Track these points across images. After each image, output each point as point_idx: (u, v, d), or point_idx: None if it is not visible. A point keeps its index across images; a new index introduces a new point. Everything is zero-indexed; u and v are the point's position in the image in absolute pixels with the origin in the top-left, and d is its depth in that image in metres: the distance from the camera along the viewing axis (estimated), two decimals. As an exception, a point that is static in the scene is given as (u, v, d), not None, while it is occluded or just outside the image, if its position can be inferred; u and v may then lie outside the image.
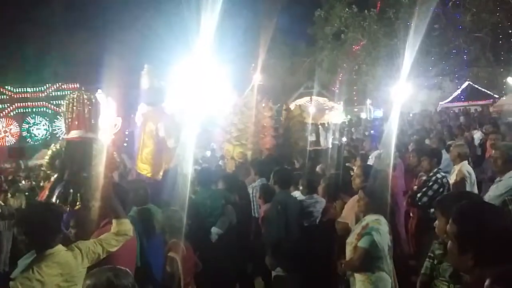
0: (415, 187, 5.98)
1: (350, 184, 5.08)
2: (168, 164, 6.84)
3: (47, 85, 31.41)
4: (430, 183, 5.47)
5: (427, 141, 10.33)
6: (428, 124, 16.98)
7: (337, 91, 31.77)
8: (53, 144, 6.15)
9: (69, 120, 6.00)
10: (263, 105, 11.80)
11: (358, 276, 3.95)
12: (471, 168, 5.95)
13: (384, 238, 3.87)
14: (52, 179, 5.70)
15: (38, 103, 31.57)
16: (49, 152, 5.96)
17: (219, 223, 5.40)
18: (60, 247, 2.93)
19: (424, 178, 5.82)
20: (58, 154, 5.68)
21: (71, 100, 6.10)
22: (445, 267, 3.04)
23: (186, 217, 5.27)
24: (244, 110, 10.78)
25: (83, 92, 6.25)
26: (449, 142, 8.32)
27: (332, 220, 5.08)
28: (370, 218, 4.00)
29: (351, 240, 4.02)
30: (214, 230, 5.36)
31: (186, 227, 4.49)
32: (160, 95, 7.40)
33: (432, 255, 3.20)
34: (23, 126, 31.80)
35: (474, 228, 1.83)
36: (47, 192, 5.50)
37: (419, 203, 5.42)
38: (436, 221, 2.99)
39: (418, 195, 5.45)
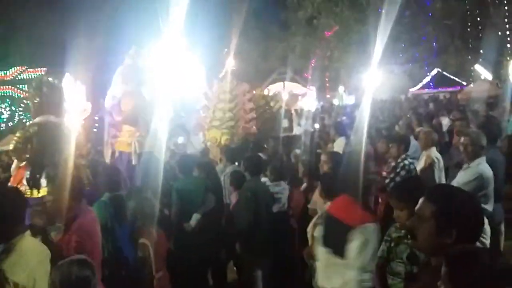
0: (384, 173, 6.10)
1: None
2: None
3: (13, 68, 30.42)
4: (398, 169, 5.58)
5: (396, 128, 10.54)
6: (398, 111, 17.26)
7: (310, 77, 31.88)
8: (20, 129, 5.99)
9: (37, 105, 5.88)
10: (243, 89, 11.73)
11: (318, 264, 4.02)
12: (439, 154, 6.11)
13: None
14: (14, 165, 5.59)
15: (3, 87, 30.57)
16: (16, 137, 5.80)
17: (201, 210, 5.44)
18: (26, 236, 2.86)
19: (392, 164, 5.94)
20: (27, 139, 5.55)
21: (38, 84, 5.97)
22: (402, 249, 3.13)
23: (165, 204, 5.29)
24: (228, 96, 10.68)
25: (49, 76, 6.13)
26: (417, 129, 8.50)
27: (299, 207, 5.17)
28: (326, 207, 4.05)
29: (309, 229, 4.08)
30: (196, 216, 5.39)
31: (162, 213, 4.50)
32: (142, 75, 7.43)
33: (388, 238, 3.28)
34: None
35: (455, 207, 1.87)
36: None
37: (387, 189, 5.53)
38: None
39: (386, 181, 5.57)
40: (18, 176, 5.41)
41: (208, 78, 11.41)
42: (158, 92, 7.76)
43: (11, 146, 5.85)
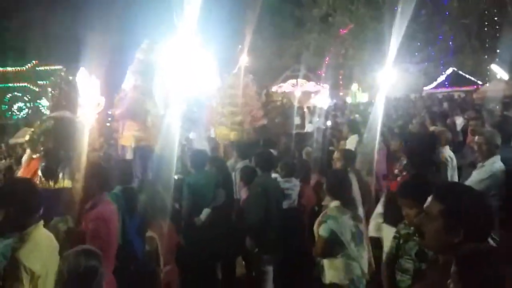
0: (396, 171, 6.05)
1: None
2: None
3: (30, 63, 30.83)
4: (410, 168, 5.53)
5: (410, 126, 10.44)
6: (412, 110, 17.10)
7: (323, 74, 31.75)
8: (38, 122, 6.09)
9: (55, 100, 6.00)
10: (250, 86, 11.73)
11: (325, 261, 4.04)
12: (452, 153, 6.06)
13: (342, 225, 3.90)
14: (27, 156, 5.68)
15: (20, 80, 31.00)
16: (32, 130, 5.91)
17: (212, 205, 5.49)
18: (40, 226, 2.90)
19: (405, 162, 5.89)
20: (43, 132, 5.64)
21: (57, 80, 6.10)
22: (411, 246, 3.13)
23: (177, 198, 5.33)
24: (234, 92, 10.70)
25: (67, 73, 6.26)
26: (431, 128, 8.42)
27: (310, 203, 5.17)
28: (331, 205, 4.06)
29: (315, 227, 4.09)
30: (206, 211, 5.43)
31: (174, 207, 4.52)
32: (153, 70, 7.46)
33: (397, 235, 3.28)
34: (4, 104, 31.29)
35: (464, 206, 1.85)
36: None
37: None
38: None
39: (398, 178, 5.52)
40: (32, 167, 5.49)
41: (221, 74, 11.43)
42: (171, 87, 7.80)
43: (26, 137, 5.94)
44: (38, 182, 5.11)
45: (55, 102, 5.95)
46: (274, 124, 11.62)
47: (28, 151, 5.77)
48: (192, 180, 5.66)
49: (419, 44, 23.31)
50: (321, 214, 4.10)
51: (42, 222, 2.93)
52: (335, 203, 4.03)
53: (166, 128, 7.05)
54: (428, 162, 4.30)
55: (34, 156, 5.53)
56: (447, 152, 5.97)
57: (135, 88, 7.77)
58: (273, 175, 5.68)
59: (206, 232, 5.31)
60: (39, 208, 2.93)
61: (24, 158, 5.85)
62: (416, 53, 24.36)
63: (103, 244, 3.27)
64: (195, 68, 9.17)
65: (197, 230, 5.35)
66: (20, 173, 5.78)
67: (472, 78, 25.95)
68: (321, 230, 3.92)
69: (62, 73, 6.33)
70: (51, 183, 5.30)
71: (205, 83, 10.41)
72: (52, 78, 6.32)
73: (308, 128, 15.50)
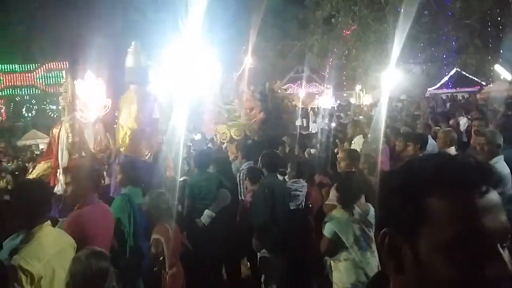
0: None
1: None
2: (151, 148, 6.87)
3: (36, 64, 31.02)
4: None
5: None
6: (416, 110, 17.09)
7: (327, 76, 31.74)
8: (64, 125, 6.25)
9: (69, 103, 6.16)
10: (252, 87, 11.80)
11: (331, 262, 4.08)
12: (457, 154, 6.06)
13: (344, 228, 3.90)
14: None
15: (27, 82, 31.20)
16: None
17: (213, 206, 5.47)
18: (45, 226, 2.92)
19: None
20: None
21: (70, 83, 6.27)
22: None
23: (178, 199, 5.36)
24: (226, 91, 10.76)
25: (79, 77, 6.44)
26: (434, 128, 8.45)
27: (316, 204, 5.20)
28: (338, 206, 4.08)
29: (322, 227, 4.11)
30: (207, 212, 5.43)
31: (176, 208, 4.54)
32: (145, 74, 7.37)
33: None
34: (12, 106, 31.49)
35: None
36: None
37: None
38: None
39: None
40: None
41: (225, 76, 11.48)
42: (173, 90, 7.82)
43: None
44: None
45: (69, 106, 6.09)
46: (277, 124, 11.66)
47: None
48: (193, 181, 5.69)
49: (422, 44, 23.22)
50: (328, 215, 4.13)
51: (48, 222, 2.95)
52: (340, 205, 4.05)
53: (171, 130, 7.09)
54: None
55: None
56: (452, 152, 5.99)
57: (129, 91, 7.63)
58: (281, 176, 5.71)
59: (208, 234, 5.32)
60: (46, 209, 2.96)
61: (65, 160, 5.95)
62: (419, 54, 24.26)
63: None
64: (199, 70, 9.22)
65: (201, 231, 5.37)
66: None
67: (476, 79, 25.89)
68: (325, 229, 3.96)
69: (69, 76, 6.47)
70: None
71: (208, 84, 10.47)
72: (62, 80, 6.52)
73: (312, 128, 15.54)
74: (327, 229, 3.93)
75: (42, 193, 2.99)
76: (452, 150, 6.06)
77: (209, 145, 10.58)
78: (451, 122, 10.63)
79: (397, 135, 7.51)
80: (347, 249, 3.89)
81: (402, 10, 17.51)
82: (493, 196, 0.92)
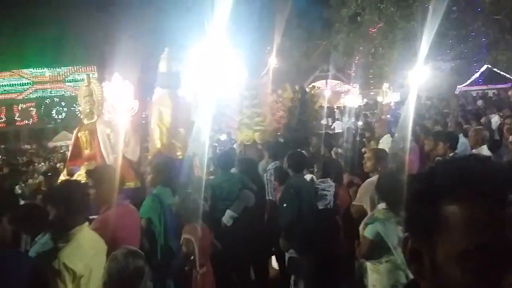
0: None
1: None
2: (182, 150, 6.93)
3: (65, 68, 31.80)
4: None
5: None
6: (446, 108, 16.79)
7: (353, 74, 31.46)
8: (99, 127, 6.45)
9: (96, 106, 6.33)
10: (279, 91, 11.83)
11: (368, 264, 3.98)
12: (490, 153, 5.92)
13: (389, 230, 3.79)
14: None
15: (57, 85, 32.01)
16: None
17: (234, 206, 5.47)
18: (84, 227, 3.00)
19: (440, 162, 5.79)
20: None
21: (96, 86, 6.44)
22: None
23: (204, 199, 5.39)
24: (253, 93, 10.75)
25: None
26: (465, 126, 8.27)
27: (344, 204, 5.14)
28: (379, 207, 3.96)
29: (361, 228, 4.00)
30: (229, 213, 5.44)
31: (204, 208, 4.57)
32: (177, 79, 7.47)
33: None
34: (42, 109, 32.33)
35: None
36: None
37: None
38: None
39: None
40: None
41: (250, 77, 11.50)
42: (200, 91, 7.87)
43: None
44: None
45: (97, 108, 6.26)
46: (305, 124, 11.63)
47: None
48: (215, 182, 5.70)
49: (450, 41, 22.78)
50: (368, 216, 4.04)
51: (86, 223, 3.03)
52: (383, 206, 3.91)
53: (197, 130, 7.13)
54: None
55: None
56: (484, 151, 5.84)
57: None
58: (308, 175, 5.68)
59: (234, 233, 5.31)
60: (84, 210, 3.04)
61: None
62: (448, 51, 23.82)
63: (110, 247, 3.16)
64: (224, 71, 9.25)
65: (225, 231, 5.38)
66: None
67: (507, 75, 25.23)
68: (366, 231, 3.82)
69: (93, 78, 6.60)
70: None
71: (234, 85, 10.50)
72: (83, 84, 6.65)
73: (338, 128, 15.42)
74: (370, 231, 3.80)
75: (80, 195, 3.08)
76: (484, 149, 5.92)
77: (233, 146, 10.65)
78: (482, 120, 10.39)
79: (426, 133, 7.39)
80: (389, 251, 3.77)
81: (430, 6, 17.20)
82: None
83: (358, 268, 4.27)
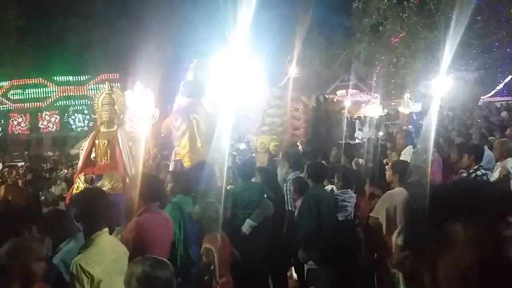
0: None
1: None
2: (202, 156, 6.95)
3: (88, 76, 32.35)
4: (470, 180, 5.33)
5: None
6: (469, 119, 16.51)
7: (374, 84, 31.21)
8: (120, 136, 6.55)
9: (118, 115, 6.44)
10: (303, 102, 11.81)
11: (401, 275, 3.87)
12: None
13: None
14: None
15: (80, 93, 32.57)
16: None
17: (254, 215, 5.44)
18: (104, 233, 3.04)
19: (464, 175, 5.68)
20: None
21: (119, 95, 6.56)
22: None
23: (224, 208, 5.38)
24: (279, 103, 10.72)
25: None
26: (489, 138, 8.09)
27: (365, 216, 5.07)
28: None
29: (394, 237, 3.95)
30: (248, 222, 5.42)
31: (223, 218, 4.55)
32: (202, 88, 7.54)
33: None
34: (65, 116, 32.89)
35: None
36: None
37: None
38: None
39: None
40: None
41: (270, 85, 11.49)
42: (221, 101, 7.90)
43: None
44: None
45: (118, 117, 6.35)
46: (328, 133, 11.56)
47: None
48: (235, 190, 5.70)
49: (474, 51, 22.44)
50: (402, 225, 3.97)
51: (106, 229, 3.07)
52: None
53: (217, 139, 7.15)
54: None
55: None
56: (509, 164, 5.69)
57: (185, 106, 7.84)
58: (329, 186, 5.62)
59: (252, 243, 5.29)
60: (105, 217, 3.07)
61: None
62: (472, 61, 23.45)
63: (134, 252, 3.20)
64: (245, 80, 9.27)
65: (245, 241, 5.34)
66: None
67: (533, 86, 24.74)
68: (400, 240, 3.76)
69: (116, 87, 6.68)
70: None
71: (254, 95, 10.51)
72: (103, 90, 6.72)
73: (357, 137, 15.30)
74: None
75: (102, 202, 3.13)
76: (510, 162, 5.76)
77: (253, 155, 10.64)
78: (507, 132, 10.15)
79: (450, 145, 7.26)
80: None
81: (453, 16, 16.99)
82: None
83: (389, 278, 4.19)
